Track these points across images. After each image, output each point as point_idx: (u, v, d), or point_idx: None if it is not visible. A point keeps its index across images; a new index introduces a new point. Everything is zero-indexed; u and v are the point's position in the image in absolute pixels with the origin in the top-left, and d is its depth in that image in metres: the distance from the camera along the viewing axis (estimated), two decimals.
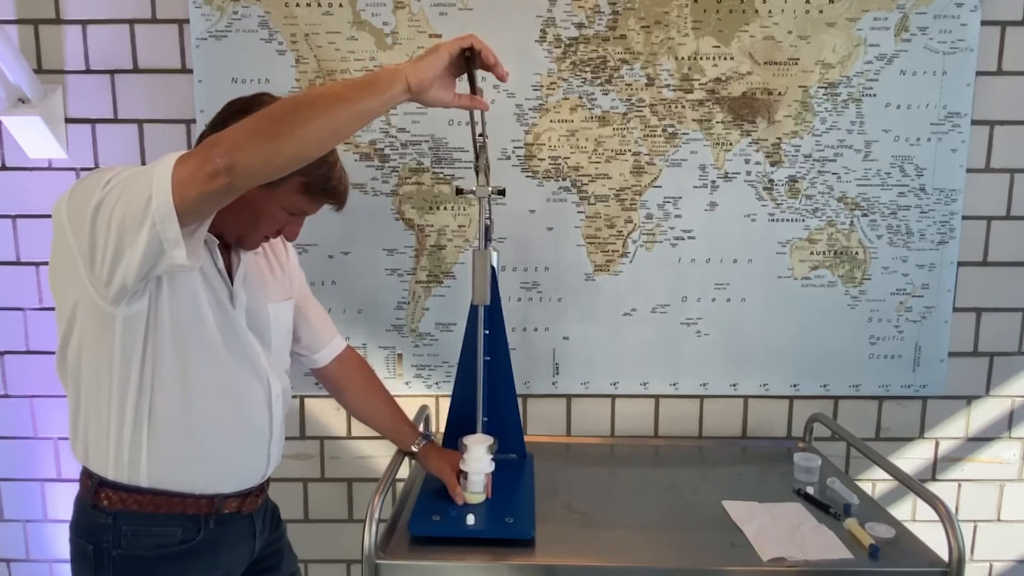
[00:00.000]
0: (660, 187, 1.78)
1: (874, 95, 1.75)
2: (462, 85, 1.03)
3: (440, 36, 1.71)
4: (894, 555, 1.26)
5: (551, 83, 1.74)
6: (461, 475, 1.37)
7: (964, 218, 1.81)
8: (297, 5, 1.70)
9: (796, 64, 1.74)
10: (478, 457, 1.35)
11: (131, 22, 1.73)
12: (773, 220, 1.79)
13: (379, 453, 1.88)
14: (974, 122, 1.77)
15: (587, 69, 1.73)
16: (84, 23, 1.73)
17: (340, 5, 1.70)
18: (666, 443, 1.85)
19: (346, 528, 1.91)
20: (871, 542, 1.27)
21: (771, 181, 1.78)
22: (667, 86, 1.74)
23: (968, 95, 1.76)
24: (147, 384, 1.07)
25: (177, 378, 1.09)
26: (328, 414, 1.87)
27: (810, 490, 1.51)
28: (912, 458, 1.90)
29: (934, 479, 1.91)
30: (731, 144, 1.76)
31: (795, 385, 1.86)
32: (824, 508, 1.43)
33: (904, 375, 1.85)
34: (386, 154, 1.76)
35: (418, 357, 1.84)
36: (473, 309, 1.45)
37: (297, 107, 0.91)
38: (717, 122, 1.75)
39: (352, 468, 1.89)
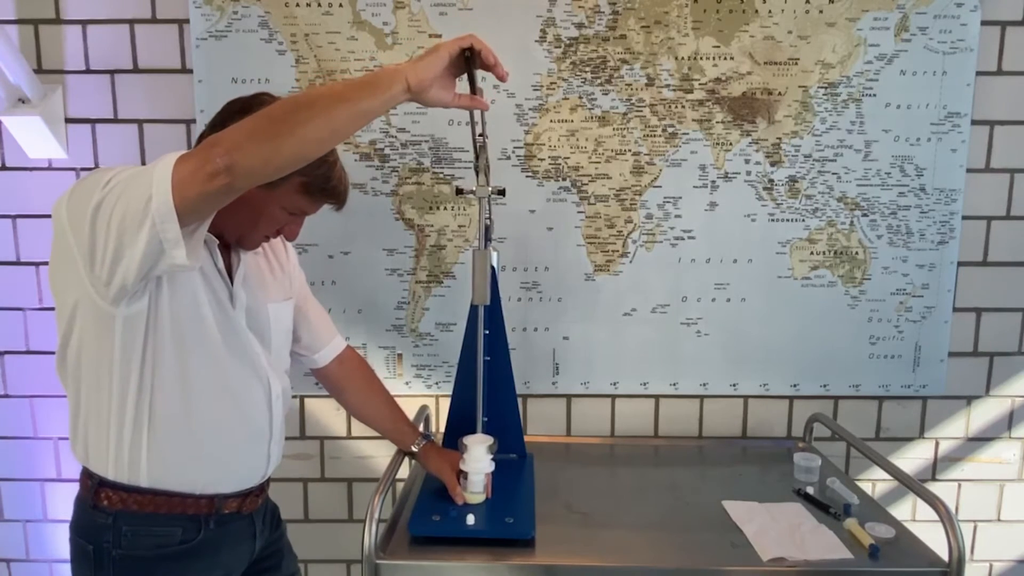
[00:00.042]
0: (660, 187, 1.78)
1: (874, 95, 1.75)
2: (462, 85, 1.03)
3: (440, 36, 1.71)
4: (894, 555, 1.26)
5: (551, 83, 1.74)
6: (461, 475, 1.37)
7: (964, 218, 1.81)
8: (297, 5, 1.70)
9: (796, 64, 1.74)
10: (478, 457, 1.35)
11: (131, 22, 1.73)
12: (773, 220, 1.79)
13: (379, 453, 1.88)
14: (974, 122, 1.77)
15: (587, 69, 1.73)
16: (84, 23, 1.73)
17: (340, 5, 1.70)
18: (666, 443, 1.85)
19: (346, 528, 1.91)
20: (871, 542, 1.27)
21: (771, 181, 1.78)
22: (667, 86, 1.74)
23: (968, 95, 1.76)
24: (147, 384, 1.07)
25: (177, 378, 1.09)
26: (328, 414, 1.87)
27: (810, 490, 1.51)
28: (912, 458, 1.90)
29: (934, 479, 1.91)
30: (731, 144, 1.76)
31: (795, 385, 1.86)
32: (824, 508, 1.43)
33: (904, 375, 1.85)
34: (386, 154, 1.76)
35: (418, 357, 1.84)
36: (473, 309, 1.45)
37: (297, 107, 0.91)
38: (717, 122, 1.75)
39: (352, 468, 1.89)
